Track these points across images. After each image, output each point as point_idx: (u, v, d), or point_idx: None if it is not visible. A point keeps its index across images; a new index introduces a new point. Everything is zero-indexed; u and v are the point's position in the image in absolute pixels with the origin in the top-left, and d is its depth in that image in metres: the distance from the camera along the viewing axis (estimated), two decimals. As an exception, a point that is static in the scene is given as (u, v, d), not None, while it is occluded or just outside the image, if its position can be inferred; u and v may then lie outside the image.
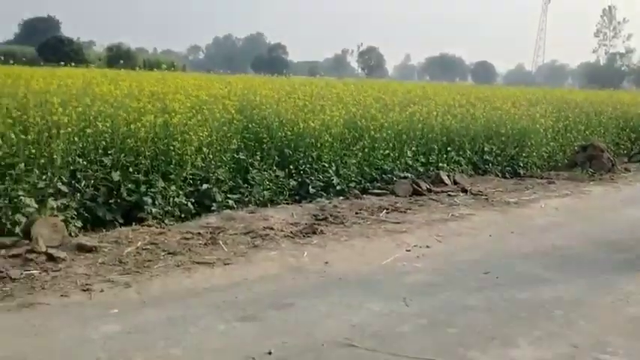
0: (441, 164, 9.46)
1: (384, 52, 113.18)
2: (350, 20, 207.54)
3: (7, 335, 3.43)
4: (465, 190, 8.49)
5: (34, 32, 67.40)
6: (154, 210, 6.24)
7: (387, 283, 4.64)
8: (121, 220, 6.14)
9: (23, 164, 5.53)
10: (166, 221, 6.24)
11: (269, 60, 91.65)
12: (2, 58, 14.43)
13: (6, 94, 6.87)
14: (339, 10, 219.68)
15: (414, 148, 9.25)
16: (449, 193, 8.29)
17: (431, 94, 13.18)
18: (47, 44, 47.02)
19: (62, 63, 12.81)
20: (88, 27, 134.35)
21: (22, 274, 4.37)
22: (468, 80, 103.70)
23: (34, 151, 5.66)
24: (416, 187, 8.19)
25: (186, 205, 6.57)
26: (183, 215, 6.52)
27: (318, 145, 8.12)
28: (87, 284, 4.26)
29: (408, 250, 5.59)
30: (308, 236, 5.81)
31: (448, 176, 9.00)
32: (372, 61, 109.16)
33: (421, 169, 9.19)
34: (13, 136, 5.61)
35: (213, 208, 6.79)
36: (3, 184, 5.37)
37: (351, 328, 3.75)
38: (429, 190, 8.30)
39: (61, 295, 4.06)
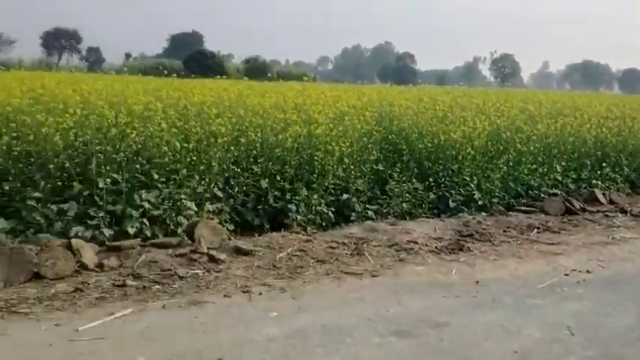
0: (594, 181, 8.76)
1: (519, 60, 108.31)
2: (481, 27, 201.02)
3: (181, 331, 3.70)
4: (624, 211, 7.78)
5: (181, 46, 73.31)
6: (298, 217, 6.45)
7: (546, 309, 4.35)
8: (267, 225, 6.42)
9: (185, 170, 5.97)
10: (309, 229, 6.42)
11: (396, 69, 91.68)
12: (165, 72, 15.85)
13: (169, 105, 7.42)
14: (469, 16, 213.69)
15: (564, 163, 8.66)
16: (606, 213, 7.65)
17: (581, 105, 12.26)
18: (192, 57, 50.61)
19: (218, 76, 13.82)
20: (226, 40, 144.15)
21: (187, 272, 4.72)
22: (614, 89, 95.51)
23: (194, 158, 6.08)
24: (568, 205, 7.64)
25: (327, 213, 6.73)
26: (324, 223, 6.67)
27: (459, 157, 7.90)
28: (246, 286, 4.49)
29: (567, 275, 5.20)
30: (454, 253, 5.66)
31: (604, 195, 8.29)
32: (506, 69, 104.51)
33: (572, 186, 8.57)
34: (177, 144, 6.05)
35: (352, 218, 6.88)
36: (167, 188, 5.83)
37: (512, 354, 3.55)
38: (583, 210, 7.71)
39: (224, 295, 4.31)
